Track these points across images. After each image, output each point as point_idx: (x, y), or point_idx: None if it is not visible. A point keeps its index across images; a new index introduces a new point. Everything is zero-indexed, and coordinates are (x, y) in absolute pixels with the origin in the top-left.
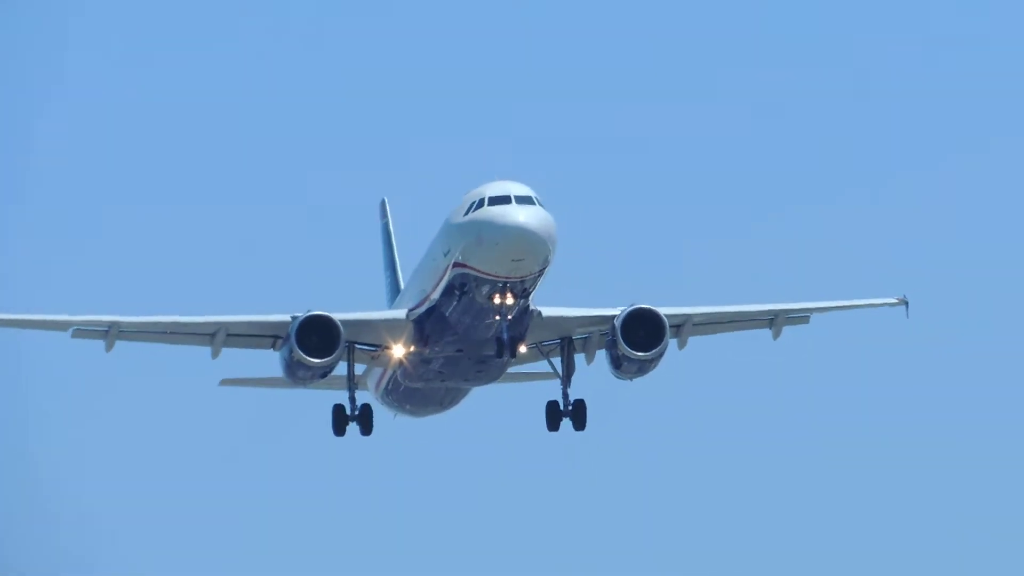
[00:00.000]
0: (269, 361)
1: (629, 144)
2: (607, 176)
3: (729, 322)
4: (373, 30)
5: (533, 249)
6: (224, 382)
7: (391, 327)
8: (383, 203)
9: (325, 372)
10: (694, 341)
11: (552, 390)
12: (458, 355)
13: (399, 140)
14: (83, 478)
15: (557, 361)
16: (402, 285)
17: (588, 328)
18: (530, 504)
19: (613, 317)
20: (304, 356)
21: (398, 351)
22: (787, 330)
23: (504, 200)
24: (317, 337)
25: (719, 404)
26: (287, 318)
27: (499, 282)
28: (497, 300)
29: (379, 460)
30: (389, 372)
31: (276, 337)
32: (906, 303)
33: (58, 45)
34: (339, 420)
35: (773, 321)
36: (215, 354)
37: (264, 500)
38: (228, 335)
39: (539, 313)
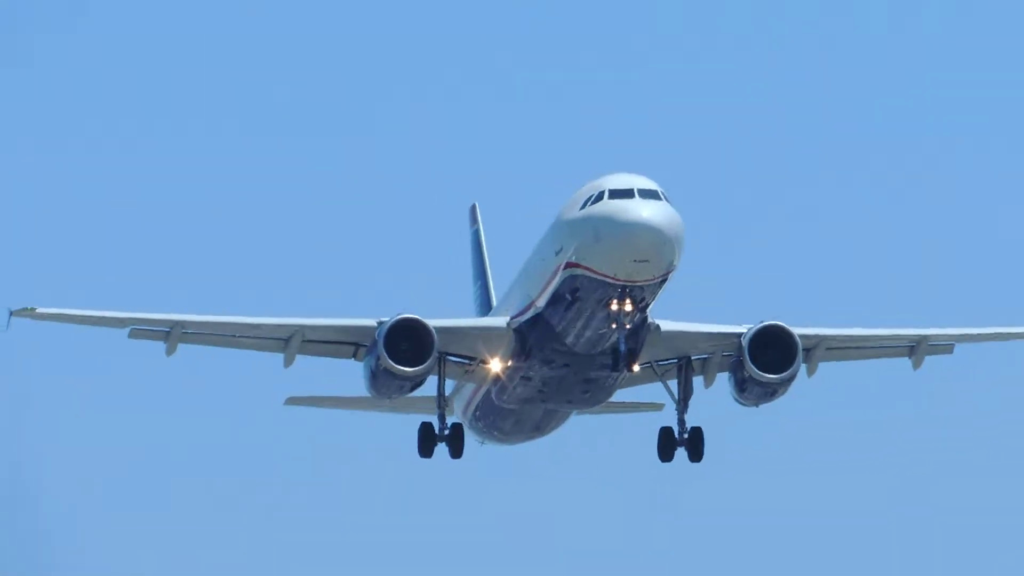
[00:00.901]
0: (342, 377)
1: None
2: (729, 176)
3: (866, 347)
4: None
5: (658, 250)
6: (291, 400)
7: (489, 337)
8: (473, 208)
9: (416, 384)
10: (824, 367)
11: (656, 420)
12: (564, 371)
13: (491, 140)
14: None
15: (672, 384)
16: (494, 298)
17: (710, 347)
18: (639, 541)
19: (740, 335)
20: (393, 364)
21: (495, 365)
22: (928, 360)
23: (627, 194)
24: (408, 344)
25: (848, 439)
26: (373, 322)
27: (617, 286)
28: (614, 307)
29: (469, 486)
30: (482, 391)
31: (358, 345)
32: None
33: None
34: (427, 440)
35: (914, 349)
36: (288, 362)
37: (346, 525)
38: (305, 341)
39: (657, 327)
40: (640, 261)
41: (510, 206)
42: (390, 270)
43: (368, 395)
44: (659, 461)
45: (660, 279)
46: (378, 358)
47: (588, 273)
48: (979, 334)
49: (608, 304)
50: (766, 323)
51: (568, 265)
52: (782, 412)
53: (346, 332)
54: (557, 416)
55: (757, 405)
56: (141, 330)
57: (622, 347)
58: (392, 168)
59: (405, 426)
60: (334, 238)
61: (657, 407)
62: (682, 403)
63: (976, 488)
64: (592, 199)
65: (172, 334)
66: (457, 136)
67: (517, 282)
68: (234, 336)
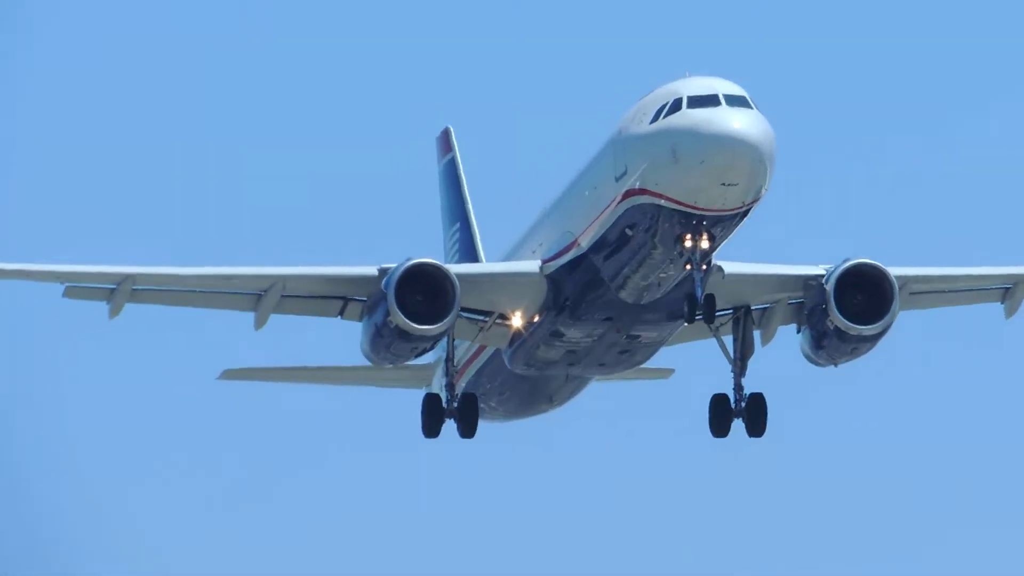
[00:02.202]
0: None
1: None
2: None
3: (955, 291)
4: None
5: (752, 170)
6: (227, 374)
7: (516, 286)
8: (446, 134)
9: (430, 346)
10: (903, 316)
11: (707, 387)
12: (604, 327)
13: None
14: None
15: (727, 341)
16: (479, 242)
17: (777, 294)
18: (690, 531)
19: (818, 277)
20: (407, 321)
21: (517, 320)
22: None
23: (710, 101)
24: (423, 296)
25: (933, 401)
26: (373, 270)
27: (695, 217)
28: (687, 243)
29: (484, 472)
30: (484, 354)
31: (347, 300)
32: None
33: None
34: (433, 415)
35: (1009, 292)
36: (261, 322)
37: (340, 518)
38: (284, 296)
39: (720, 269)
40: (729, 185)
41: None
42: (339, 216)
43: (365, 356)
44: (712, 436)
45: (747, 208)
46: (386, 314)
47: (659, 201)
48: None
49: (680, 240)
50: (853, 261)
51: (632, 192)
52: (859, 372)
53: (336, 283)
54: (578, 385)
55: (836, 364)
56: (80, 288)
57: (699, 292)
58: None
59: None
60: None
61: (666, 373)
62: (739, 364)
63: None
64: (666, 109)
65: (119, 291)
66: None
67: (548, 219)
68: (196, 292)
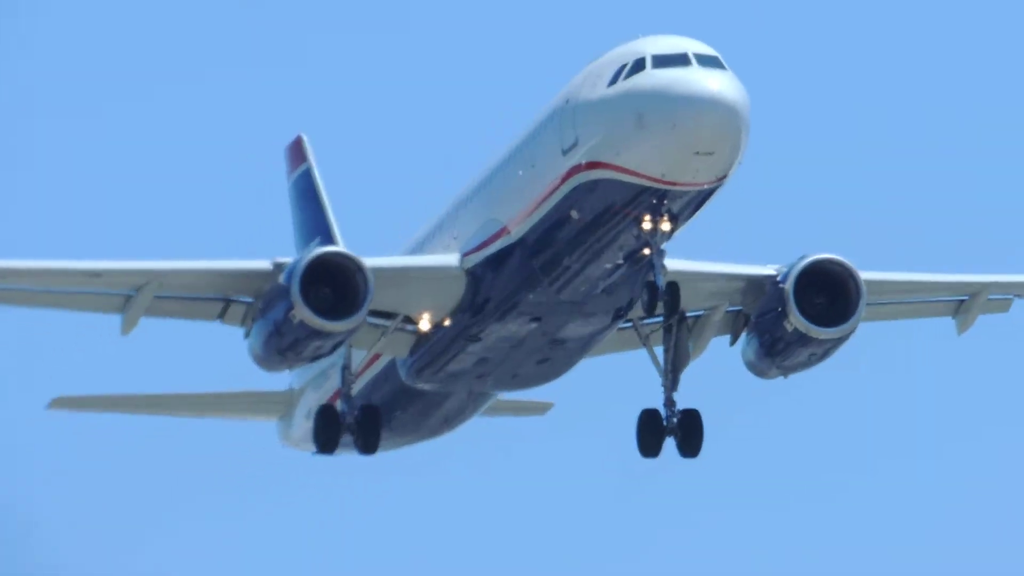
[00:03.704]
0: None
1: None
2: None
3: (909, 303)
4: None
5: (730, 136)
6: (56, 403)
7: (432, 282)
8: (298, 143)
9: (336, 346)
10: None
11: (636, 402)
12: (529, 329)
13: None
14: None
15: (657, 351)
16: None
17: (717, 298)
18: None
19: (770, 277)
20: (315, 317)
21: (425, 324)
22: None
23: (679, 60)
24: (330, 289)
25: (881, 418)
26: (267, 264)
27: (661, 192)
28: (648, 224)
29: (387, 498)
30: (376, 368)
31: (228, 301)
32: None
33: None
34: (329, 429)
35: (964, 305)
36: (130, 326)
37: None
38: (158, 297)
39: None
40: (705, 153)
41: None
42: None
43: (257, 360)
44: (641, 456)
45: (717, 185)
46: (288, 309)
47: (619, 176)
48: None
49: (639, 221)
50: (814, 257)
51: (584, 167)
52: (800, 388)
53: (222, 280)
54: (476, 404)
55: (787, 375)
56: None
57: (659, 280)
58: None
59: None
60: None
61: (543, 408)
62: (672, 376)
63: None
64: (626, 70)
65: None
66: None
67: (465, 208)
68: (57, 292)
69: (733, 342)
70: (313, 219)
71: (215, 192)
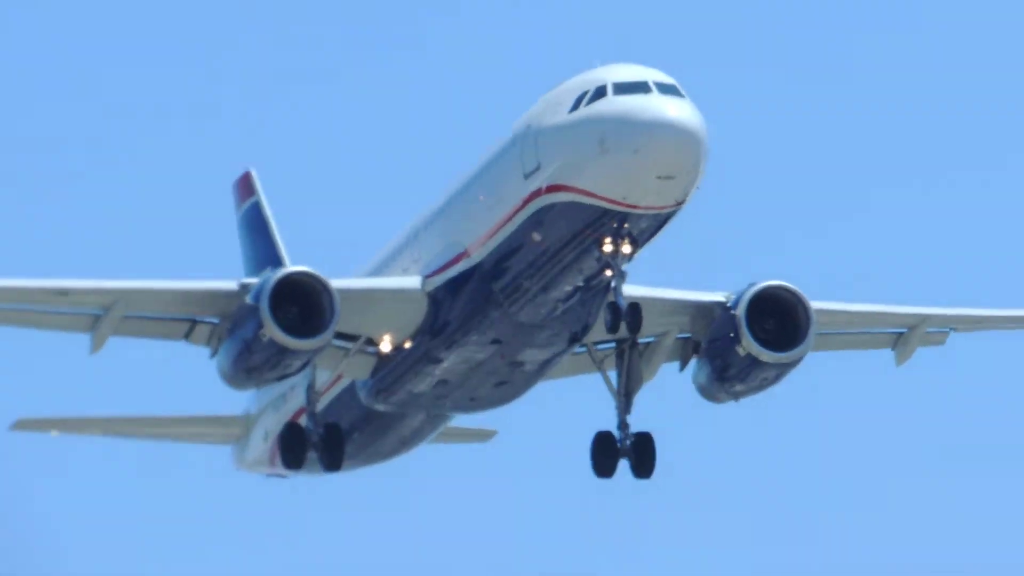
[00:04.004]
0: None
1: None
2: None
3: (851, 333)
4: None
5: (690, 162)
6: (20, 425)
7: (394, 303)
8: (247, 178)
9: (303, 365)
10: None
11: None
12: (487, 352)
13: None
14: None
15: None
16: None
17: (668, 325)
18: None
19: (720, 304)
20: (285, 335)
21: (386, 346)
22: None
23: (641, 87)
24: (298, 309)
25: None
26: (233, 284)
27: (622, 215)
28: (608, 247)
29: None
30: (335, 389)
31: (194, 322)
32: None
33: None
34: (296, 446)
35: (903, 337)
36: (98, 345)
37: None
38: (125, 317)
39: None
40: (665, 178)
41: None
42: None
43: (225, 378)
44: (596, 476)
45: (675, 207)
46: (257, 327)
47: (580, 199)
48: (992, 316)
49: (600, 244)
50: (764, 284)
51: (546, 190)
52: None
53: (188, 301)
54: (432, 425)
55: (738, 399)
56: None
57: (620, 301)
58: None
59: None
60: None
61: (487, 435)
62: (624, 399)
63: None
64: (588, 97)
65: None
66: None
67: (426, 230)
68: (28, 310)
69: (682, 368)
70: (264, 250)
71: (167, 220)
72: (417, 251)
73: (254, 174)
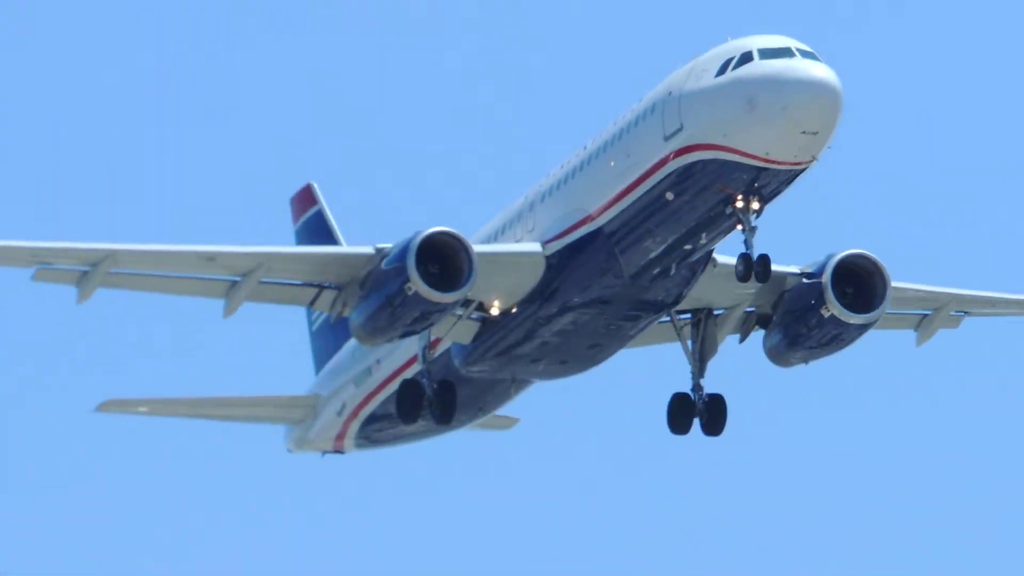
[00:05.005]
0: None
1: None
2: None
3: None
4: None
5: (833, 117)
6: (104, 407)
7: (514, 268)
8: (308, 189)
9: (440, 318)
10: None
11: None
12: (592, 314)
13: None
14: None
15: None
16: None
17: (742, 294)
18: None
19: (800, 274)
20: (429, 288)
21: (495, 310)
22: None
23: (785, 52)
24: (439, 267)
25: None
26: (370, 249)
27: (762, 170)
28: (740, 203)
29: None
30: (435, 351)
31: (321, 288)
32: None
33: None
34: (412, 401)
35: (926, 319)
36: (232, 309)
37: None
38: (260, 282)
39: (713, 261)
40: (810, 133)
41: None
42: None
43: (365, 330)
44: (671, 434)
45: (808, 163)
46: (402, 283)
47: (722, 155)
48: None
49: (733, 200)
50: (846, 253)
51: (688, 149)
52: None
53: (327, 263)
54: (510, 392)
55: (807, 362)
56: (52, 270)
57: (752, 252)
58: None
59: None
60: None
61: (510, 422)
62: (699, 364)
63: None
64: (734, 62)
65: (96, 271)
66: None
67: (541, 203)
68: (170, 277)
69: (742, 340)
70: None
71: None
72: (530, 222)
73: (315, 186)
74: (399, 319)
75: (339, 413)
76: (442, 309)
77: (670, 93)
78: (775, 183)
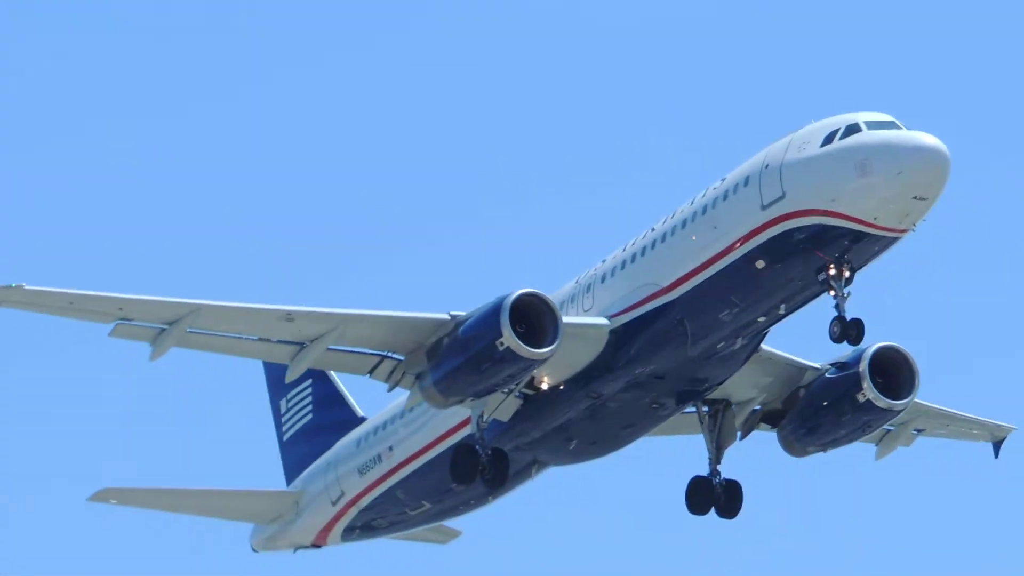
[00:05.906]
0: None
1: None
2: None
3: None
4: None
5: (942, 186)
6: (100, 496)
7: (579, 340)
8: None
9: (526, 376)
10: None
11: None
12: (643, 391)
13: None
14: None
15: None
16: (347, 393)
17: (759, 385)
18: None
19: (825, 368)
20: (521, 343)
21: (544, 384)
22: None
23: (890, 125)
24: (526, 326)
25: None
26: (445, 316)
27: (865, 236)
28: (833, 270)
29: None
30: (461, 432)
31: (383, 358)
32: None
33: None
34: (468, 464)
35: (887, 435)
36: (297, 372)
37: None
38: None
39: (757, 348)
40: (920, 199)
41: None
42: None
43: (442, 390)
44: (689, 513)
45: (909, 230)
46: (492, 339)
47: (827, 220)
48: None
49: (825, 267)
50: (880, 345)
51: (787, 216)
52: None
53: (402, 328)
54: (525, 476)
55: (827, 450)
56: (130, 327)
57: (846, 315)
58: None
59: None
60: None
61: (452, 535)
62: (716, 452)
63: None
64: (840, 133)
65: (176, 327)
66: None
67: (606, 282)
68: (242, 339)
69: (743, 437)
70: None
71: None
72: (588, 302)
73: None
74: (485, 377)
75: (334, 503)
76: (529, 366)
77: (767, 165)
78: (873, 250)
